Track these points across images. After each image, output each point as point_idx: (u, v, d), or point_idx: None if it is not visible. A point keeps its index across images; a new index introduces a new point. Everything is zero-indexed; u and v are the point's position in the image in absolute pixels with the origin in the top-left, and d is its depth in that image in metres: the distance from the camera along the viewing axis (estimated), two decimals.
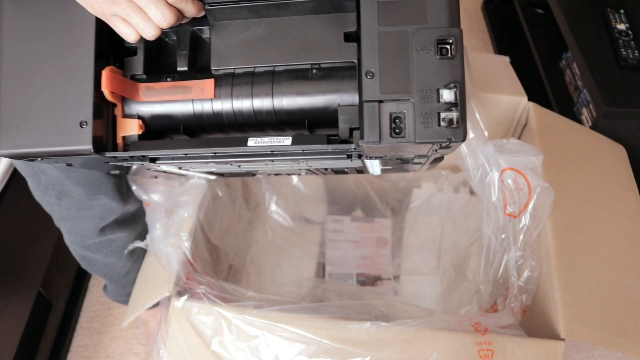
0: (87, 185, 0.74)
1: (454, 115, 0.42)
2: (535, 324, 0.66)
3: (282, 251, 1.01)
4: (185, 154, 0.52)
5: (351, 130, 0.48)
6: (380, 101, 0.44)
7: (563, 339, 0.60)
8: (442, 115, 0.43)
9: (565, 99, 1.21)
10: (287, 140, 0.48)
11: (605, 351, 0.92)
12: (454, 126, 0.42)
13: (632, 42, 1.06)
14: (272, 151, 0.49)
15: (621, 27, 1.09)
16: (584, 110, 1.10)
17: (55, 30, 0.49)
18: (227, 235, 0.92)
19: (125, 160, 0.55)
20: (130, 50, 0.52)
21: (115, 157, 0.53)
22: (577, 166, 0.77)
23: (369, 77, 0.44)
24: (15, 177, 0.88)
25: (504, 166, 0.65)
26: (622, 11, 1.12)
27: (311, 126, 0.52)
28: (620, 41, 1.06)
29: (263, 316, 0.62)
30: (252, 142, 0.49)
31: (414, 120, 0.43)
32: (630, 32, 1.08)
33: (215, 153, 0.51)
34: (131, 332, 1.05)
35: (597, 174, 0.78)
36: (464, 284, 0.86)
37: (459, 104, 0.43)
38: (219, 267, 0.90)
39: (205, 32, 0.53)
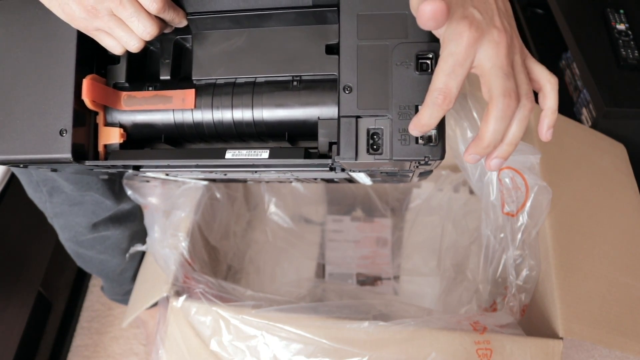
0: (77, 182, 0.75)
1: (432, 132, 0.42)
2: (534, 323, 0.66)
3: (282, 252, 1.01)
4: (166, 164, 0.52)
5: (330, 144, 0.47)
6: (358, 117, 0.43)
7: (561, 338, 0.60)
8: None
9: (565, 99, 1.21)
10: (264, 154, 0.48)
11: (605, 351, 0.92)
12: (432, 144, 0.42)
13: (632, 42, 1.06)
14: (251, 164, 0.49)
15: (621, 27, 1.09)
16: (584, 111, 1.10)
17: (38, 37, 0.49)
18: (226, 236, 0.92)
19: (107, 168, 0.55)
20: (114, 58, 0.52)
21: (96, 166, 0.53)
22: (576, 165, 0.77)
23: (346, 92, 0.43)
24: (15, 177, 0.88)
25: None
26: (622, 11, 1.12)
27: (292, 138, 0.51)
28: (620, 41, 1.06)
29: (261, 316, 0.62)
30: (229, 154, 0.49)
31: (391, 137, 0.42)
32: (630, 32, 1.08)
33: (193, 164, 0.51)
34: (131, 332, 1.05)
35: (596, 172, 0.78)
36: (464, 283, 0.86)
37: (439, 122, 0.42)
38: (218, 268, 0.90)
39: (189, 41, 0.53)
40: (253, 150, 0.48)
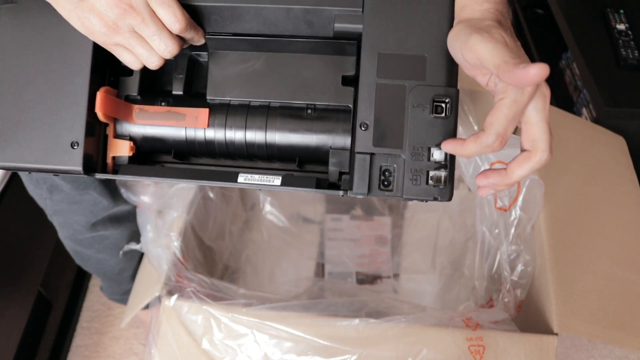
0: (75, 181, 0.75)
1: (442, 174, 0.43)
2: (530, 319, 0.65)
3: (280, 251, 1.01)
4: (177, 183, 0.53)
5: (341, 173, 0.48)
6: (372, 154, 0.44)
7: (556, 334, 0.59)
8: (431, 174, 0.44)
9: (565, 99, 1.21)
10: (276, 180, 0.48)
11: (604, 351, 0.91)
12: (441, 186, 0.44)
13: (632, 42, 1.05)
14: (260, 188, 0.50)
15: (621, 27, 1.09)
16: (584, 110, 1.09)
17: (52, 45, 0.49)
18: (221, 236, 0.92)
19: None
20: (126, 69, 0.51)
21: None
22: (573, 158, 0.76)
23: (362, 129, 0.45)
24: (15, 177, 0.89)
25: (492, 160, 0.65)
26: (622, 11, 1.12)
27: (301, 162, 0.52)
28: (620, 41, 1.05)
29: (252, 314, 0.62)
30: (242, 178, 0.49)
31: (403, 176, 0.44)
32: (630, 32, 1.07)
33: (205, 185, 0.52)
34: (131, 332, 1.05)
35: (594, 165, 0.77)
36: (461, 280, 0.85)
37: (449, 165, 0.44)
38: (214, 268, 0.90)
39: (203, 55, 0.53)
40: (265, 176, 0.49)
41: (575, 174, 0.74)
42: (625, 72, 1.01)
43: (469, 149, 0.41)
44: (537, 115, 0.40)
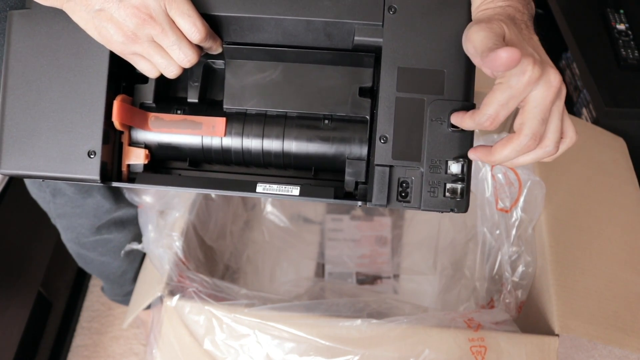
0: (78, 185, 0.75)
1: (459, 187, 0.44)
2: (531, 319, 0.66)
3: (281, 252, 1.01)
4: (194, 192, 0.53)
5: (357, 183, 0.49)
6: (391, 166, 0.45)
7: (557, 335, 0.60)
8: (448, 186, 0.45)
9: (565, 99, 1.21)
10: (295, 190, 0.49)
11: (604, 351, 0.91)
12: (457, 198, 0.44)
13: (632, 42, 1.05)
14: (278, 197, 0.50)
15: (621, 27, 1.09)
16: (584, 110, 1.10)
17: (68, 52, 0.48)
18: (222, 236, 0.92)
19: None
20: (141, 76, 0.51)
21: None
22: (574, 159, 0.76)
23: (382, 142, 0.45)
24: (15, 177, 0.89)
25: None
26: (622, 11, 1.12)
27: (316, 171, 0.53)
28: (620, 41, 1.05)
29: (254, 315, 0.62)
30: (260, 188, 0.49)
31: (421, 188, 0.45)
32: (630, 32, 1.07)
33: (223, 194, 0.52)
34: (131, 332, 1.06)
35: (594, 167, 0.77)
36: (462, 281, 0.85)
37: (465, 178, 0.44)
38: (215, 268, 0.90)
39: (218, 63, 0.53)
40: (284, 186, 0.49)
41: (576, 175, 0.74)
42: (625, 72, 1.01)
43: (466, 123, 0.42)
44: (534, 102, 0.40)
